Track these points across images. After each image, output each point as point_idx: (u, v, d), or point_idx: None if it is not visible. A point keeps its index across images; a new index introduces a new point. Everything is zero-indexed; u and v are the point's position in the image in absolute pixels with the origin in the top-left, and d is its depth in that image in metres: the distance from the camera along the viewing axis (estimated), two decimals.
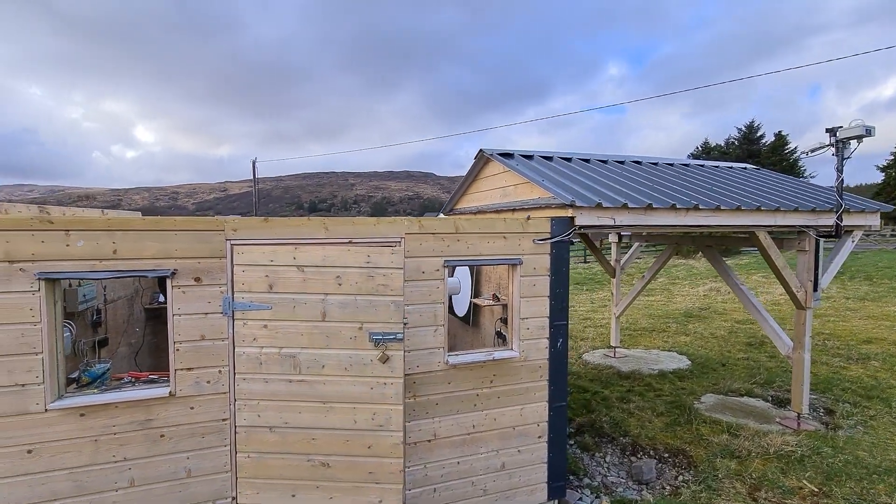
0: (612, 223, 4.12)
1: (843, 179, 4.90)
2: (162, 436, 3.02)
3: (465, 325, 5.92)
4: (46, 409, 2.78)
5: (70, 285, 3.64)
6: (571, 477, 4.73)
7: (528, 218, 3.88)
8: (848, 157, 4.90)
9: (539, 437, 4.01)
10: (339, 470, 3.07)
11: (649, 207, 4.18)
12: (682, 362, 7.95)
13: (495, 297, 5.05)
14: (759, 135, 50.21)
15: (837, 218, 4.93)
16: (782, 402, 6.04)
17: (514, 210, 4.93)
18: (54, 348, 2.82)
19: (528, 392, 3.95)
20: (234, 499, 3.15)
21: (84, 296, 3.77)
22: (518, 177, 4.87)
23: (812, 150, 5.13)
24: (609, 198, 4.17)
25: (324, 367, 3.04)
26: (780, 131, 48.62)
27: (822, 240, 5.10)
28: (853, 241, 5.43)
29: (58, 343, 2.85)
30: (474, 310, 5.68)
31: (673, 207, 4.27)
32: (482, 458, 3.83)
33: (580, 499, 4.40)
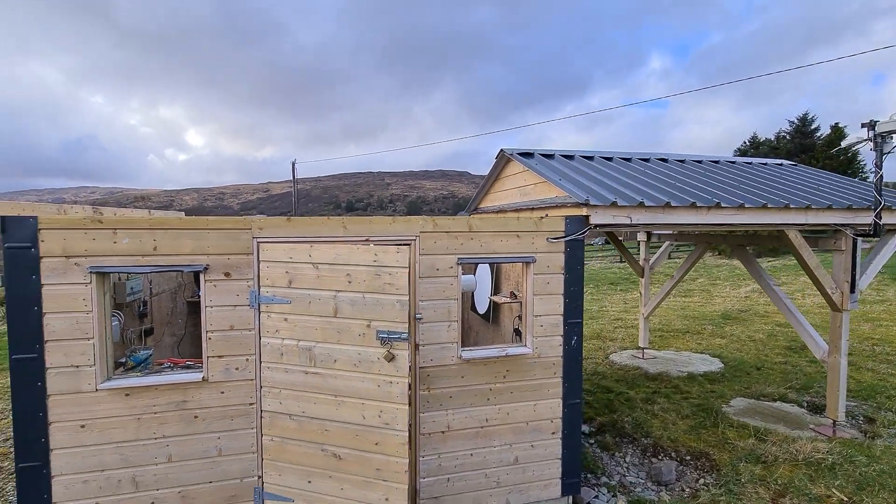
0: (628, 222, 4.10)
1: (882, 175, 4.65)
2: (196, 417, 3.30)
3: (486, 323, 6.01)
4: (97, 389, 3.11)
5: (119, 279, 4.02)
6: (589, 475, 4.75)
7: (543, 217, 3.94)
8: (889, 152, 4.65)
9: (553, 433, 4.06)
10: (350, 463, 3.22)
11: (667, 206, 4.14)
12: (714, 365, 7.71)
13: (513, 295, 5.12)
14: (813, 128, 47.15)
15: (876, 216, 4.69)
16: (818, 409, 5.77)
17: (532, 209, 4.98)
18: (104, 335, 3.15)
19: (542, 388, 4.01)
20: (259, 477, 3.40)
21: (131, 289, 4.15)
22: (537, 176, 4.92)
23: (850, 145, 4.90)
24: (625, 196, 4.16)
25: (335, 362, 3.21)
26: (836, 123, 45.42)
27: (860, 239, 4.86)
28: None
29: (107, 330, 3.18)
30: (494, 307, 5.76)
31: (693, 206, 4.20)
32: (495, 451, 3.93)
33: (596, 497, 4.41)
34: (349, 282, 3.17)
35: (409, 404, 3.29)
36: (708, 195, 4.48)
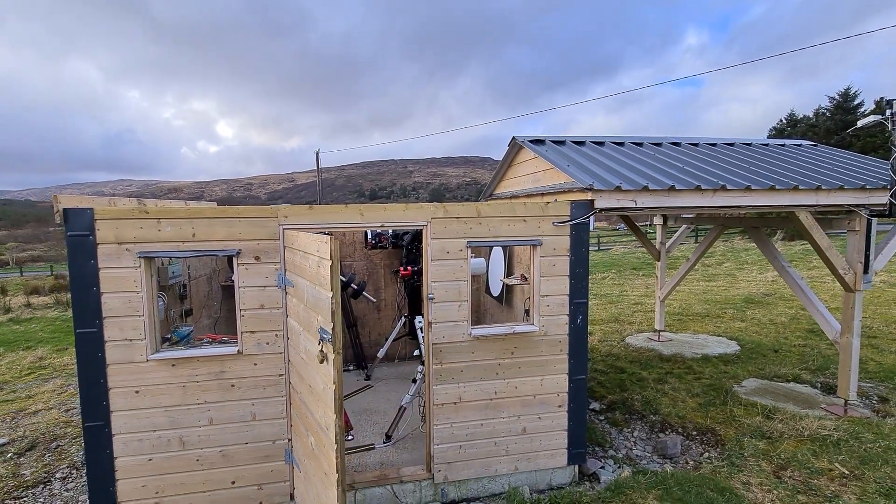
0: (633, 205, 4.25)
1: None
2: (233, 385, 3.70)
3: (500, 304, 6.25)
4: (147, 360, 3.53)
5: (162, 264, 4.45)
6: (597, 448, 4.99)
7: (548, 202, 4.13)
8: None
9: (559, 406, 4.31)
10: (317, 452, 3.20)
11: (672, 189, 4.25)
12: (731, 347, 7.75)
13: (523, 278, 5.33)
14: (856, 103, 44.57)
15: (892, 195, 4.66)
16: (831, 389, 5.80)
17: (543, 195, 5.16)
18: (152, 312, 3.56)
19: (548, 364, 4.25)
20: (289, 440, 3.79)
21: (173, 273, 4.58)
22: (547, 163, 5.08)
23: (866, 125, 4.86)
24: (630, 180, 4.30)
25: (307, 350, 3.28)
26: (881, 98, 42.76)
27: (874, 220, 4.84)
28: None
29: (154, 308, 3.59)
30: (507, 290, 5.99)
31: (698, 189, 4.30)
32: (504, 422, 4.21)
33: (602, 467, 4.65)
34: (311, 271, 3.06)
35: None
36: (714, 178, 4.55)
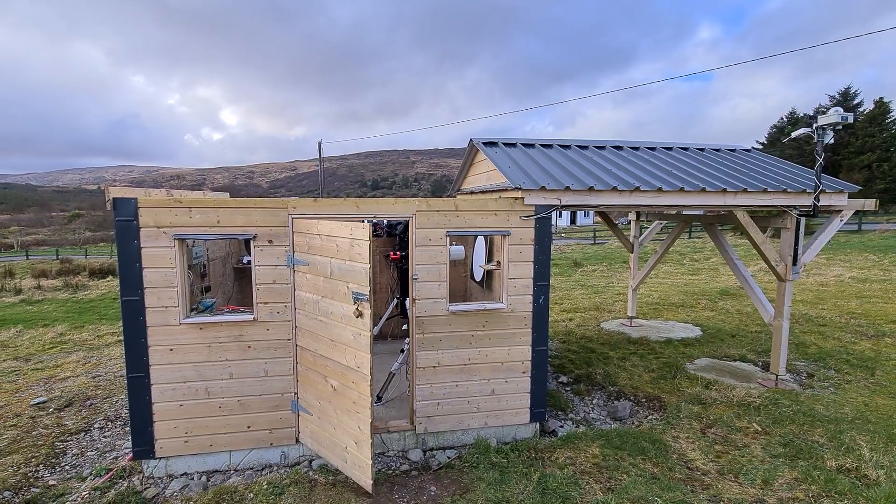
0: (558, 203, 4.88)
1: (821, 163, 5.33)
2: (249, 346, 4.47)
3: (482, 288, 7.02)
4: (180, 323, 4.30)
5: (188, 246, 5.20)
6: (560, 413, 5.78)
7: (516, 199, 4.86)
8: (829, 142, 5.31)
9: (523, 372, 5.08)
10: (340, 393, 4.20)
11: (591, 189, 4.93)
12: (693, 332, 8.53)
13: (498, 264, 6.09)
14: (855, 102, 44.98)
15: (815, 198, 5.39)
16: (770, 367, 6.58)
17: (492, 192, 5.80)
18: (183, 284, 4.32)
19: (515, 336, 5.02)
20: (295, 393, 4.58)
21: (196, 254, 5.33)
22: None
23: (798, 136, 5.58)
24: (555, 181, 4.96)
25: (331, 314, 4.21)
26: (881, 98, 43.19)
27: (803, 219, 5.58)
28: (841, 220, 5.80)
29: (185, 281, 4.35)
30: (487, 275, 6.74)
31: (615, 189, 4.98)
32: (476, 384, 4.99)
33: (561, 426, 5.45)
34: (337, 250, 4.05)
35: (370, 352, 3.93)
36: (635, 180, 5.21)
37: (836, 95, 45.72)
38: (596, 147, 6.64)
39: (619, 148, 6.70)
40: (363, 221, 4.38)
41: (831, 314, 9.47)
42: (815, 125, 5.31)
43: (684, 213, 7.33)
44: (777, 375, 5.97)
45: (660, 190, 5.04)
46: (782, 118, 46.49)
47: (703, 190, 5.11)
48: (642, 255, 20.86)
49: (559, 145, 6.58)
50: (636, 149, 6.74)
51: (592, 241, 33.34)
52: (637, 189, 5.01)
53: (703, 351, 7.43)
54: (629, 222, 9.32)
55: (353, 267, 3.96)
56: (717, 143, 7.25)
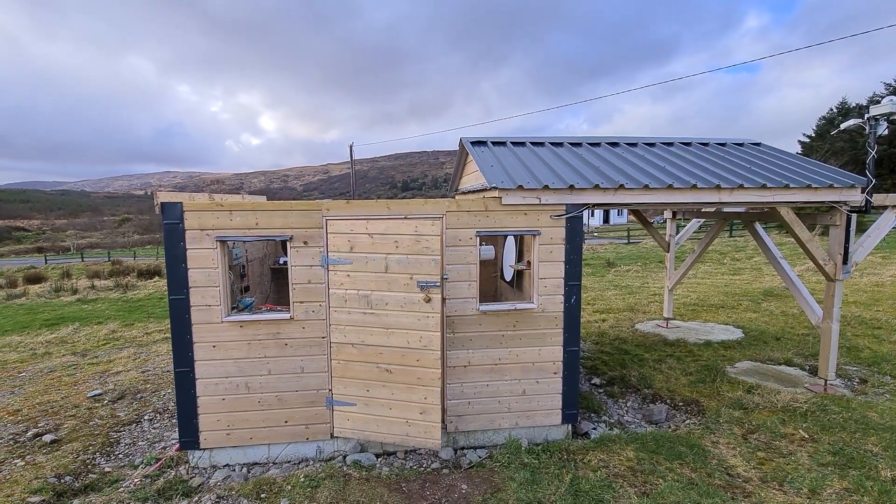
0: (537, 202, 4.74)
1: (874, 156, 5.03)
2: (286, 344, 4.63)
3: (512, 288, 6.99)
4: (222, 321, 4.51)
5: (228, 247, 5.44)
6: (593, 415, 5.69)
7: (493, 199, 4.83)
8: (883, 133, 5.01)
9: (555, 373, 5.04)
10: (397, 374, 4.44)
11: (572, 188, 4.74)
12: (734, 334, 8.20)
13: (529, 264, 6.05)
14: None
15: (867, 194, 5.09)
16: (818, 372, 6.24)
17: (479, 191, 5.71)
18: (225, 284, 4.52)
19: (545, 337, 4.99)
20: (329, 389, 4.71)
21: (235, 255, 5.57)
22: None
23: (847, 128, 5.28)
24: (535, 180, 4.81)
25: (387, 304, 4.40)
26: None
27: (854, 215, 5.27)
28: None
29: (227, 281, 4.56)
30: (518, 275, 6.72)
31: (597, 188, 4.76)
32: (506, 384, 4.99)
33: (594, 428, 5.37)
34: (396, 246, 4.31)
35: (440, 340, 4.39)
36: (619, 176, 5.00)
37: (893, 83, 42.69)
38: (590, 144, 6.41)
39: (614, 144, 6.44)
40: (424, 218, 4.54)
41: (887, 316, 8.89)
42: (866, 115, 5.01)
43: (724, 210, 7.05)
44: (826, 380, 5.66)
45: (646, 187, 4.82)
46: (832, 109, 43.77)
47: (671, 186, 4.83)
48: (679, 254, 20.25)
49: (551, 143, 6.40)
50: (633, 145, 6.47)
51: (626, 241, 32.50)
52: (622, 186, 4.78)
53: (745, 354, 7.13)
54: (664, 221, 9.05)
55: (418, 259, 4.28)
56: (723, 138, 6.89)
